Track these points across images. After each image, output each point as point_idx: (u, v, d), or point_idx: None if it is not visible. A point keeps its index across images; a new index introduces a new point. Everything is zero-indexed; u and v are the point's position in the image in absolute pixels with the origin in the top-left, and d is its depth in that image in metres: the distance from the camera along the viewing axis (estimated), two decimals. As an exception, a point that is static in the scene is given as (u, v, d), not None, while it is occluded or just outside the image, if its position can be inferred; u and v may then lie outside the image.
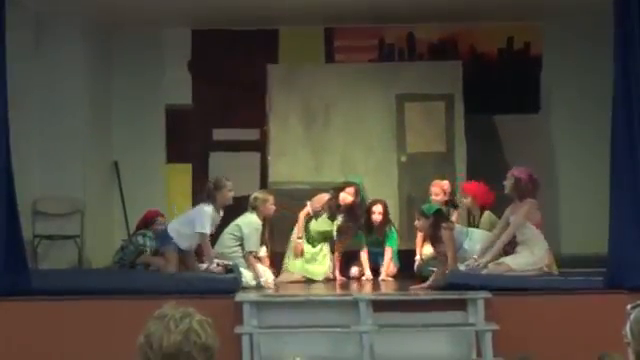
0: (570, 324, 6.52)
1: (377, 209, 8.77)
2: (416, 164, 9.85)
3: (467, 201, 8.47)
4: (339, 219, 8.75)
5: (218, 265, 7.73)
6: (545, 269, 7.37)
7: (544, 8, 9.46)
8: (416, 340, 6.66)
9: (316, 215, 8.78)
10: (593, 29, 9.08)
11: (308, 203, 8.82)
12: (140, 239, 8.43)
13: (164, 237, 7.87)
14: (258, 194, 8.52)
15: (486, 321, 6.54)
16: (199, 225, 7.64)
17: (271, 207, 8.39)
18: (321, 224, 8.77)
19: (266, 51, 10.14)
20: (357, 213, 8.76)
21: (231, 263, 7.83)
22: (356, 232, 8.78)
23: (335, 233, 8.76)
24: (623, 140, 6.71)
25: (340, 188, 8.81)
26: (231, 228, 8.16)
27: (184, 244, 7.73)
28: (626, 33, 6.74)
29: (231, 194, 7.88)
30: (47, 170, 9.08)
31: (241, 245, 8.12)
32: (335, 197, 8.76)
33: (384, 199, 9.01)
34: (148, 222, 8.73)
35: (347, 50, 10.25)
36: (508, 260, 7.30)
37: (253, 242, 8.12)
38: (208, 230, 7.68)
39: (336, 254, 8.79)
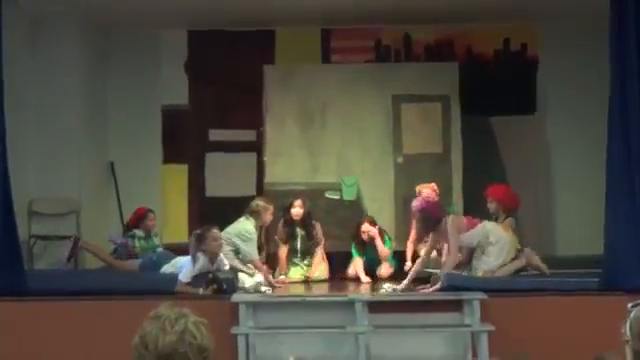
0: (566, 325, 6.52)
1: (365, 228, 8.73)
2: (412, 165, 9.84)
3: (492, 206, 8.15)
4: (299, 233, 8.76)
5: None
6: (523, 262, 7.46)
7: (540, 10, 9.46)
8: (412, 341, 6.65)
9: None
10: (590, 30, 9.09)
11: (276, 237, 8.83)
12: (129, 241, 8.50)
13: (164, 258, 7.83)
14: (260, 202, 8.45)
15: (482, 322, 6.53)
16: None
17: (270, 217, 8.38)
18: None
19: (263, 52, 10.13)
20: (307, 222, 8.75)
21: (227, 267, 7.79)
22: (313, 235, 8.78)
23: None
24: (619, 140, 6.71)
25: (288, 206, 8.75)
26: (224, 234, 7.94)
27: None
28: (623, 34, 6.74)
29: (219, 243, 7.48)
30: (43, 170, 9.04)
31: (233, 250, 8.05)
32: (288, 217, 8.72)
33: (371, 216, 9.03)
34: (139, 218, 8.77)
35: (344, 51, 10.25)
36: (482, 267, 7.30)
37: (250, 251, 8.08)
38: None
39: (319, 258, 8.79)
